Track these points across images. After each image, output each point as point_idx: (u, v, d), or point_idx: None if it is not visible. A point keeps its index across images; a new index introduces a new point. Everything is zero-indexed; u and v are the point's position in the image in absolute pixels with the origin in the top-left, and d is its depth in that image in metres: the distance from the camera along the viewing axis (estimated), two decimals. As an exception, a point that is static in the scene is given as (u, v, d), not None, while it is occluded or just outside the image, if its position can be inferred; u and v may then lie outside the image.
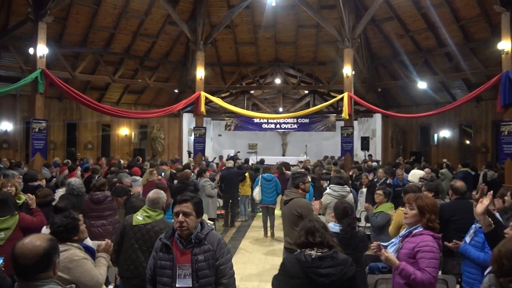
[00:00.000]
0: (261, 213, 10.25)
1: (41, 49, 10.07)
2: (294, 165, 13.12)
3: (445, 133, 14.98)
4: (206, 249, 2.68)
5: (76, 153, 14.42)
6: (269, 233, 8.62)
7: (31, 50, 10.64)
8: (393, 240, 3.12)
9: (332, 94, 16.49)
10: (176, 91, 16.81)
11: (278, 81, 16.89)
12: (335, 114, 17.14)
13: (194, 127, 13.81)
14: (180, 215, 2.63)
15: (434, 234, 2.87)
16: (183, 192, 7.09)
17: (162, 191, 4.04)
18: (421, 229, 2.89)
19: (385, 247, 2.97)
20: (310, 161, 12.65)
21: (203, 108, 12.88)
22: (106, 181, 6.14)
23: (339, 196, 5.46)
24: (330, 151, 18.72)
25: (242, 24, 14.75)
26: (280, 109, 17.50)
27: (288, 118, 16.27)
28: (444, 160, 12.33)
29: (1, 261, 3.15)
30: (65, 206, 4.04)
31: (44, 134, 10.23)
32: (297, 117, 16.32)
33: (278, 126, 17.56)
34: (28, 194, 4.83)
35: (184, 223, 2.61)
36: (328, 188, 6.05)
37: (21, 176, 6.75)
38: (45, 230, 3.85)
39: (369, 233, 5.50)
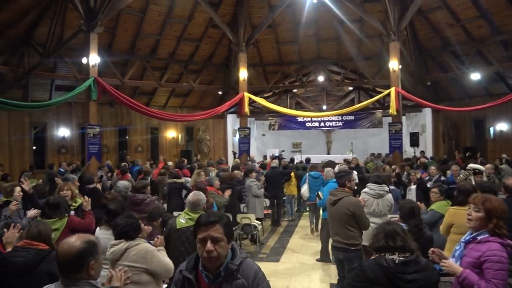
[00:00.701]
0: (307, 213, 10.19)
1: (93, 58, 10.63)
2: (340, 164, 12.87)
3: (502, 126, 14.07)
4: (239, 284, 2.03)
5: (126, 156, 15.05)
6: (315, 228, 8.58)
7: (84, 60, 11.24)
8: (456, 247, 2.92)
9: (378, 89, 16.02)
10: (220, 92, 17.09)
11: (321, 78, 16.67)
12: (381, 110, 16.66)
13: (238, 128, 13.98)
14: (208, 242, 2.00)
15: (503, 241, 2.57)
16: (232, 193, 7.24)
17: (201, 193, 4.11)
18: (487, 235, 2.61)
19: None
20: (358, 159, 12.32)
21: (247, 108, 13.01)
22: (148, 183, 6.31)
23: (376, 195, 5.33)
24: (377, 148, 18.21)
25: (283, 23, 14.71)
26: (324, 107, 17.28)
27: (332, 116, 16.04)
28: (504, 155, 11.58)
29: None
30: (115, 208, 4.19)
31: (98, 139, 10.78)
32: (341, 115, 16.02)
33: (322, 124, 17.35)
34: (85, 196, 5.12)
35: (214, 252, 1.99)
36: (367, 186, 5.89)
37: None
38: (98, 231, 4.04)
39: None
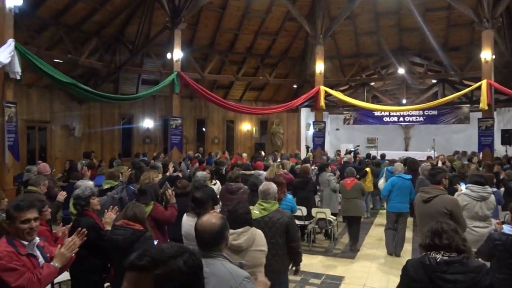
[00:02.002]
0: (383, 210, 9.82)
1: (177, 54, 11.23)
2: (423, 161, 12.16)
3: None
4: None
5: (199, 147, 15.63)
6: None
7: (168, 55, 11.93)
8: None
9: (465, 82, 14.83)
10: (294, 86, 17.06)
11: (401, 71, 15.83)
12: (468, 105, 15.40)
13: (313, 122, 13.84)
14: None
15: None
16: (304, 186, 7.23)
17: (272, 183, 4.14)
18: None
19: None
20: (445, 156, 11.52)
21: (322, 102, 12.83)
22: (240, 174, 6.54)
23: (479, 198, 4.86)
24: (461, 145, 16.87)
25: (363, 13, 14.20)
26: (403, 101, 16.42)
27: (413, 110, 15.17)
28: None
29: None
30: (201, 197, 4.41)
31: (180, 130, 11.39)
32: (423, 109, 15.09)
33: (401, 119, 16.48)
34: (168, 190, 5.43)
35: None
36: (465, 187, 5.46)
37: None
38: (185, 217, 4.28)
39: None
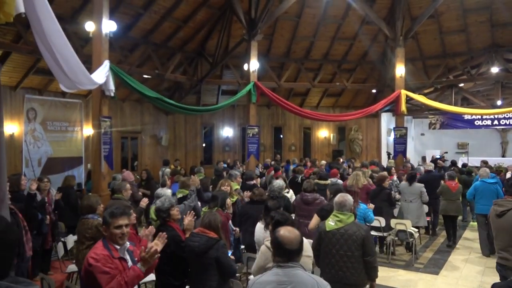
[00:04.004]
0: (474, 223, 9.10)
1: (253, 64, 11.59)
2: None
3: None
4: None
5: (276, 155, 15.83)
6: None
7: (245, 66, 12.34)
8: None
9: None
10: (373, 91, 16.50)
11: (495, 69, 14.42)
12: None
13: (394, 127, 13.23)
14: None
15: None
16: (377, 196, 6.97)
17: (347, 194, 4.06)
18: None
19: None
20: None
21: (403, 107, 12.20)
22: (315, 183, 6.53)
23: None
24: None
25: (448, 11, 13.27)
26: (499, 102, 14.92)
27: (510, 113, 13.75)
28: None
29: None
30: (272, 205, 4.56)
31: (256, 138, 11.69)
32: (521, 111, 13.61)
33: (495, 122, 15.07)
34: (245, 192, 5.67)
35: None
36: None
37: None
38: (259, 225, 4.42)
39: None
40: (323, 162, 12.99)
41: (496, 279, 5.04)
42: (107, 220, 3.01)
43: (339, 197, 3.99)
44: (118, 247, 3.00)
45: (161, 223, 4.14)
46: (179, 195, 6.08)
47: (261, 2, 11.67)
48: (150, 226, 3.74)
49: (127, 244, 3.10)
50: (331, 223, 3.91)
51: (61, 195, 6.65)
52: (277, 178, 8.38)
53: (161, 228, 3.88)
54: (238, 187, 7.22)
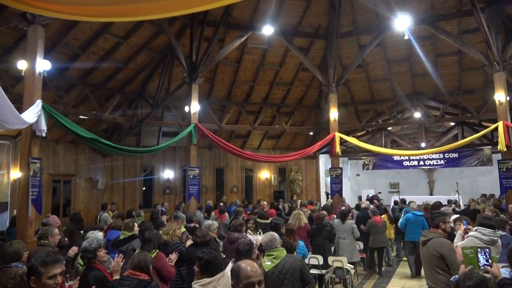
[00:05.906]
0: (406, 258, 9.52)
1: (194, 106, 11.73)
2: (445, 205, 11.86)
3: None
4: None
5: (222, 197, 15.79)
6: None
7: (186, 108, 12.45)
8: None
9: (485, 124, 14.67)
10: (311, 133, 17.28)
11: (418, 115, 15.88)
12: (490, 146, 15.14)
13: (330, 168, 13.86)
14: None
15: None
16: (319, 233, 7.15)
17: (274, 233, 4.11)
18: None
19: None
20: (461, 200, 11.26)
21: (338, 148, 12.91)
22: (244, 222, 6.55)
23: (489, 241, 4.65)
24: (488, 188, 16.44)
25: (374, 61, 14.60)
26: (423, 144, 16.28)
27: (432, 154, 15.00)
28: None
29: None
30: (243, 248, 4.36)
31: (197, 180, 11.61)
32: (443, 152, 14.92)
33: (421, 162, 16.32)
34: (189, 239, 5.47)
35: None
36: (474, 230, 5.27)
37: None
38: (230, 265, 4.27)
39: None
40: (264, 202, 13.12)
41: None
42: (37, 270, 2.65)
43: (265, 237, 4.00)
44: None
45: (86, 265, 3.93)
46: (122, 237, 5.82)
47: (202, 47, 12.06)
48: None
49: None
50: (267, 263, 3.86)
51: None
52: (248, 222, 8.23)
53: (86, 271, 3.69)
54: (184, 229, 7.04)
